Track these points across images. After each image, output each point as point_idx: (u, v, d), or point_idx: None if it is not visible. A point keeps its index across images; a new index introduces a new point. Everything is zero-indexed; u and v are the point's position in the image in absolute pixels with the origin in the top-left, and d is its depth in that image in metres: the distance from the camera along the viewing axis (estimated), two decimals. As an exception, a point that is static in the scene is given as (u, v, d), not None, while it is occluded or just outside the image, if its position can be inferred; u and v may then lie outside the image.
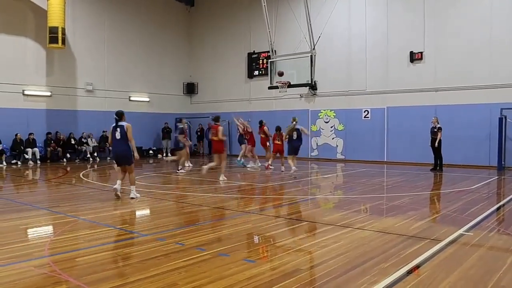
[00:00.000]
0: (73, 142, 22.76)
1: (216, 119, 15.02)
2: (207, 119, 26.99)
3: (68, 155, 22.40)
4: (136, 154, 10.71)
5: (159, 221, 8.14)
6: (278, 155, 17.19)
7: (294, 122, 16.24)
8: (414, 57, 20.10)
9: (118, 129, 10.56)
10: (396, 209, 9.14)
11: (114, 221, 8.08)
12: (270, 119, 24.78)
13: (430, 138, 17.22)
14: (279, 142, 16.88)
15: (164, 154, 26.54)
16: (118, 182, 10.70)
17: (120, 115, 10.76)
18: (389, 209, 9.34)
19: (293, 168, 15.94)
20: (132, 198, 10.55)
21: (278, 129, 17.05)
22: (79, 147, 22.78)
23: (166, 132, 26.74)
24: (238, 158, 19.61)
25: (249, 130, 19.30)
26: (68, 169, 18.41)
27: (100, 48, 24.54)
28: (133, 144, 10.63)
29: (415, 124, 19.93)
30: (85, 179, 14.93)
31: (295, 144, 16.17)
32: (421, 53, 19.92)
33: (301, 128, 16.43)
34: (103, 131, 23.66)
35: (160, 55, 27.54)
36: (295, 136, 16.08)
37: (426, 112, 19.40)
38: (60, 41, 20.69)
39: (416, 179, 14.73)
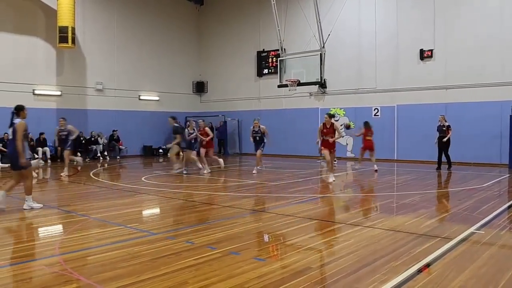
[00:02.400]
0: (83, 141, 22.90)
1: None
2: (216, 118, 27.05)
3: (79, 154, 22.53)
4: (21, 160, 8.72)
5: (169, 219, 8.17)
6: (367, 152, 17.08)
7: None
8: (424, 55, 19.99)
9: (11, 128, 8.81)
10: (407, 207, 9.10)
11: (124, 220, 8.12)
12: (279, 117, 24.79)
13: (437, 136, 17.00)
14: (369, 138, 16.94)
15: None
16: (1, 193, 8.88)
17: (18, 110, 8.90)
18: (399, 207, 9.31)
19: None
20: (26, 209, 8.96)
21: (367, 124, 17.11)
22: (89, 146, 22.92)
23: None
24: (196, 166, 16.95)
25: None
26: (79, 168, 18.52)
27: (110, 47, 24.66)
28: (18, 146, 8.64)
29: (425, 122, 19.78)
30: (95, 178, 15.01)
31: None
32: (431, 50, 19.80)
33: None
34: (113, 130, 23.78)
35: (170, 54, 27.61)
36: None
37: (436, 110, 19.24)
38: (70, 40, 20.83)
39: (427, 177, 14.65)
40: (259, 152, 16.34)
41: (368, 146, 16.99)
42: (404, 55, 20.67)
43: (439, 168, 17.03)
